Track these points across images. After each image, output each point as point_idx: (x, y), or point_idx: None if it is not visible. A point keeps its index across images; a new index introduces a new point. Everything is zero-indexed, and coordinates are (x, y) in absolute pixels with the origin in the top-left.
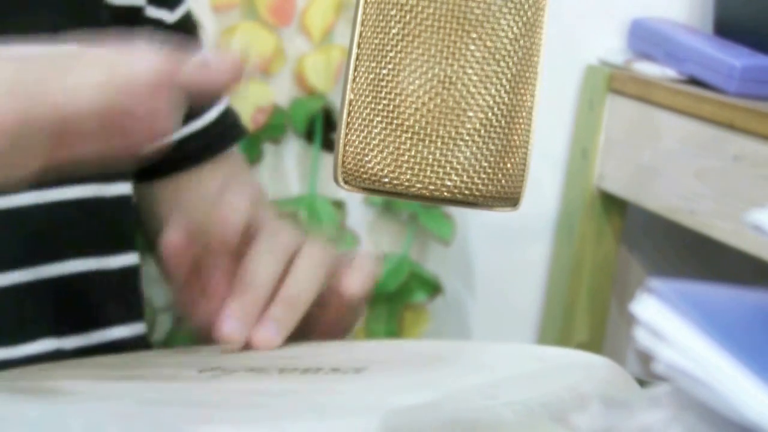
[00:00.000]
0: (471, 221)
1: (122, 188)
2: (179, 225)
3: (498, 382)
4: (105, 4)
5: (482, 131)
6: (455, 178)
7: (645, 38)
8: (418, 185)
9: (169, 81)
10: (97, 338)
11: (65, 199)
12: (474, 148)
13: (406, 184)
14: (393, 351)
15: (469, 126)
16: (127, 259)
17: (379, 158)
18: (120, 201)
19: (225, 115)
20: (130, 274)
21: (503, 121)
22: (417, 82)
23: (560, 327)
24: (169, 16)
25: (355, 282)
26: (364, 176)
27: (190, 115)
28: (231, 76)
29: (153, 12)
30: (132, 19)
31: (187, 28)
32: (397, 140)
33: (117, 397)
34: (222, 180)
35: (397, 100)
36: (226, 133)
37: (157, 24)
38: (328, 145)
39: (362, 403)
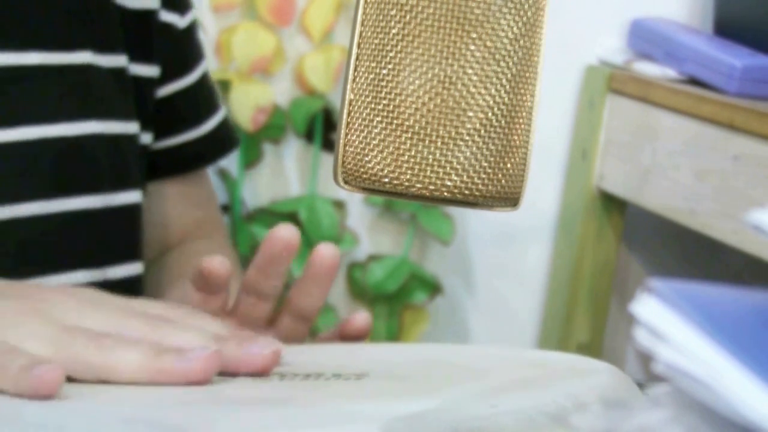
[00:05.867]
0: (471, 221)
1: (132, 197)
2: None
3: (499, 389)
4: (116, 7)
5: (482, 131)
6: (455, 178)
7: (645, 38)
8: (418, 185)
9: (213, 373)
10: None
11: (69, 210)
12: (474, 148)
13: (406, 184)
14: (394, 356)
15: (469, 126)
16: (131, 269)
17: (379, 158)
18: (127, 210)
19: (221, 127)
20: (134, 284)
21: (503, 121)
22: (417, 82)
23: (560, 327)
24: (180, 21)
25: None
26: (364, 176)
27: (190, 124)
28: (268, 362)
29: (166, 16)
30: (146, 22)
31: (194, 33)
32: (397, 140)
33: (117, 400)
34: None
35: (397, 100)
36: (221, 142)
37: (170, 28)
38: (328, 145)
39: (364, 410)
